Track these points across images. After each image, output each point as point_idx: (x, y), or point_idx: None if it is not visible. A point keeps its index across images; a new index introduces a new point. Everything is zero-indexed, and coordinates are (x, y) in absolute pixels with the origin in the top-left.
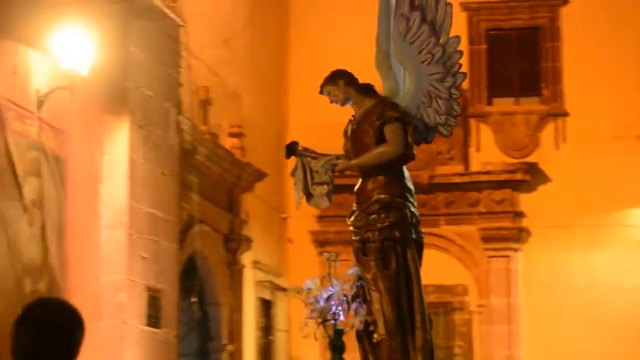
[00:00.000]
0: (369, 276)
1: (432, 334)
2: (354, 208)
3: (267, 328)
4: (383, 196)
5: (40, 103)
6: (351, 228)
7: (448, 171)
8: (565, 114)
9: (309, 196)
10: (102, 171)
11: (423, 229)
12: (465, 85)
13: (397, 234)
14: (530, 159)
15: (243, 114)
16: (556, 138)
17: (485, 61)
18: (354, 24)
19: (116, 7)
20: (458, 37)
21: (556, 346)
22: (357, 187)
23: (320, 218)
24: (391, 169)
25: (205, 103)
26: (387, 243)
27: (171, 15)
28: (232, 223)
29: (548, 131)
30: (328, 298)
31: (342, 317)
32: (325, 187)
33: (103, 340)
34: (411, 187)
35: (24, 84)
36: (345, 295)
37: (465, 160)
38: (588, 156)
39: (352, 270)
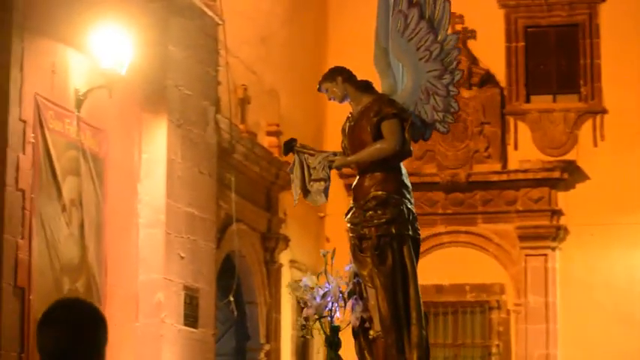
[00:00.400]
0: (365, 272)
1: (469, 333)
2: (351, 205)
3: (304, 327)
4: (380, 192)
5: (79, 103)
6: (348, 225)
7: (485, 169)
8: (603, 111)
9: (306, 192)
10: (140, 170)
11: (461, 228)
12: (503, 82)
13: (394, 230)
14: (568, 157)
15: (281, 112)
16: (594, 135)
17: (523, 59)
18: None
19: (154, 6)
20: (456, 33)
21: (594, 344)
22: (354, 183)
23: None
24: (388, 165)
25: (243, 102)
26: (384, 239)
27: (210, 13)
28: (270, 222)
29: (586, 129)
30: (324, 295)
31: (338, 314)
32: (322, 183)
33: (140, 339)
34: (408, 183)
35: (63, 83)
36: (341, 292)
37: (503, 158)
38: (626, 153)
39: (348, 267)
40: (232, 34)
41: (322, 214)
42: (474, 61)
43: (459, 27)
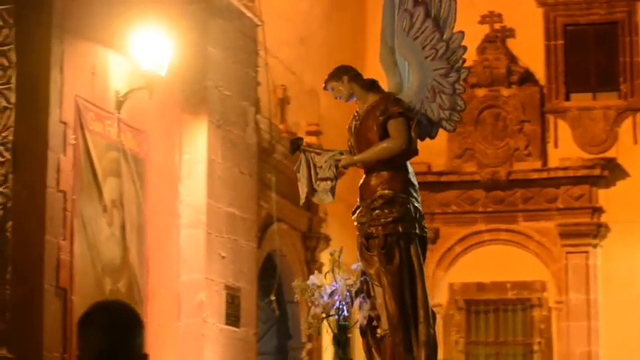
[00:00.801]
0: (372, 271)
1: (510, 330)
2: (358, 204)
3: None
4: (386, 191)
5: (119, 104)
6: (355, 224)
7: (526, 167)
8: None
9: (312, 191)
10: (181, 170)
11: (501, 226)
12: (542, 80)
13: (400, 229)
14: (608, 154)
15: (320, 112)
16: (634, 133)
17: (563, 57)
18: None
19: (194, 8)
20: (461, 32)
21: (635, 342)
22: (360, 182)
23: None
24: (395, 164)
25: (283, 102)
26: (391, 238)
27: (249, 14)
28: (311, 221)
29: (626, 126)
30: (332, 294)
31: (345, 312)
32: (329, 182)
33: (182, 339)
34: (415, 182)
35: (103, 85)
36: (348, 291)
37: (543, 156)
38: None
39: (356, 265)
40: (271, 35)
41: None
42: (513, 59)
43: (497, 26)
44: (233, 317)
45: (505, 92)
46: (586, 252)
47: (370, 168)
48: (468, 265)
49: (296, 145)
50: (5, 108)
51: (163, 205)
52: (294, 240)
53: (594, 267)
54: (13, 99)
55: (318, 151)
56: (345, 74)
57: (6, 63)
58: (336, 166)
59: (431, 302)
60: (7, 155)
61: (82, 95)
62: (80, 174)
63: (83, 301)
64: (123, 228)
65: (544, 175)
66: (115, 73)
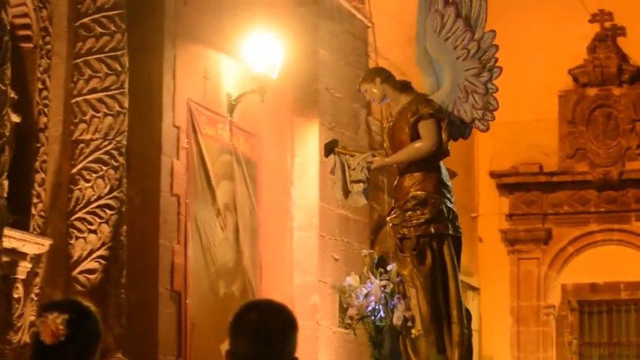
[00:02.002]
0: (405, 272)
1: (624, 331)
2: (393, 205)
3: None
4: (419, 192)
5: (232, 107)
6: (390, 225)
7: (638, 166)
8: None
9: (347, 193)
10: (293, 173)
11: (614, 226)
12: None
13: (433, 230)
14: None
15: None
16: None
17: None
18: (542, 20)
19: (304, 10)
20: (493, 31)
21: None
22: (394, 184)
23: (510, 217)
24: (427, 165)
25: None
26: (423, 239)
27: (359, 16)
28: None
29: None
30: (367, 295)
31: (382, 313)
32: (361, 185)
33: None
34: (448, 182)
35: (215, 89)
36: (383, 292)
37: None
38: None
39: (391, 266)
40: (381, 36)
41: (474, 215)
42: (624, 58)
43: (608, 24)
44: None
45: (616, 91)
46: None
47: (403, 169)
48: (580, 265)
49: (330, 147)
50: (119, 113)
51: (276, 208)
52: None
53: None
54: (126, 104)
55: (352, 153)
56: (378, 76)
57: (119, 68)
58: (369, 168)
59: (543, 303)
60: (121, 160)
61: (195, 99)
62: (194, 178)
63: (197, 305)
64: (236, 231)
65: None
66: (227, 77)
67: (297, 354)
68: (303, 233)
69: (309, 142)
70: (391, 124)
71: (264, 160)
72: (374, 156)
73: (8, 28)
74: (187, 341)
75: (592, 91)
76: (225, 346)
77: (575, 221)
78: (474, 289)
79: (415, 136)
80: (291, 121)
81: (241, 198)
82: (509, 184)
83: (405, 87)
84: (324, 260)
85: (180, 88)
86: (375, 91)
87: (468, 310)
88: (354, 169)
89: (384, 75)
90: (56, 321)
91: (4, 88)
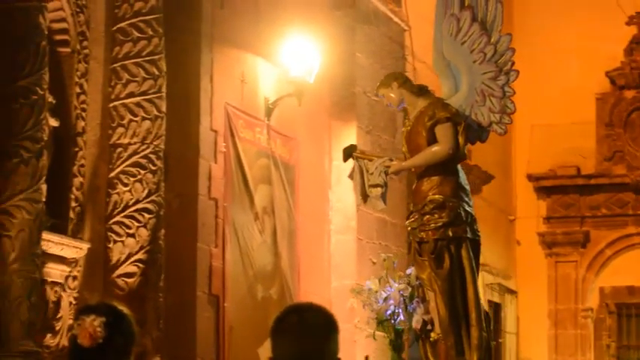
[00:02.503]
0: (424, 276)
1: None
2: (411, 209)
3: (495, 331)
4: (437, 196)
5: (269, 111)
6: (408, 229)
7: None
8: None
9: (365, 197)
10: (331, 176)
11: None
12: None
13: (450, 234)
14: None
15: None
16: None
17: None
18: (579, 22)
19: (341, 14)
20: (509, 34)
21: None
22: (413, 187)
23: (547, 219)
24: (445, 169)
25: None
26: (441, 243)
27: (396, 19)
28: None
29: None
30: (386, 299)
31: (401, 317)
32: (379, 189)
33: None
34: (467, 186)
35: (252, 92)
36: (402, 296)
37: None
38: None
39: (410, 270)
40: (418, 40)
41: (512, 217)
42: None
43: None
44: None
45: None
46: None
47: (421, 173)
48: (618, 268)
49: (348, 152)
50: (156, 117)
51: (314, 212)
52: None
53: None
54: (164, 108)
55: (370, 157)
56: (395, 80)
57: (156, 72)
58: (386, 173)
59: (581, 306)
60: (159, 164)
61: (232, 103)
62: (231, 181)
63: (235, 308)
64: (274, 235)
65: None
66: (264, 81)
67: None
68: (341, 236)
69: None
70: (409, 128)
71: (302, 164)
72: (391, 160)
73: (46, 32)
74: (225, 345)
75: (629, 94)
76: (263, 350)
77: (612, 224)
78: (512, 292)
79: (432, 140)
80: (329, 124)
81: (279, 201)
82: (547, 186)
83: (422, 91)
84: (361, 263)
85: (217, 91)
86: (392, 95)
87: (487, 314)
88: (372, 173)
89: (400, 79)
90: (94, 324)
91: (42, 92)
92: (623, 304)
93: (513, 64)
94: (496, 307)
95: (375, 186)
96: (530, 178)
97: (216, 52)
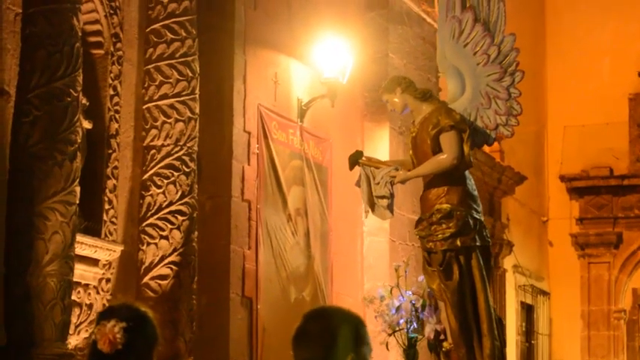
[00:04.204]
0: (434, 286)
1: None
2: (420, 216)
3: (528, 333)
4: (444, 205)
5: (302, 113)
6: (418, 237)
7: None
8: None
9: (373, 206)
10: None
11: None
12: None
13: (459, 243)
14: None
15: None
16: None
17: None
18: (611, 22)
19: (373, 15)
20: (513, 34)
21: None
22: (420, 195)
23: (580, 221)
24: (452, 177)
25: None
26: (449, 254)
27: (429, 20)
28: (493, 227)
29: None
30: (398, 309)
31: (415, 324)
32: (385, 200)
33: None
34: (475, 192)
35: (285, 94)
36: (414, 306)
37: None
38: None
39: (422, 277)
40: None
41: (545, 219)
42: None
43: None
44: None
45: None
46: None
47: (429, 182)
48: None
49: (354, 160)
50: (190, 118)
51: (347, 213)
52: None
53: None
54: (197, 109)
55: (377, 165)
56: (398, 85)
57: (190, 74)
58: (392, 183)
59: (614, 307)
60: (192, 165)
61: (265, 104)
62: (264, 183)
63: (269, 310)
64: (307, 236)
65: None
66: (297, 82)
67: None
68: (374, 238)
69: (380, 147)
70: (414, 134)
71: (335, 165)
72: (397, 169)
73: (80, 34)
74: (258, 347)
75: None
76: None
77: None
78: (545, 293)
79: (437, 148)
80: (362, 125)
81: (312, 203)
82: (580, 187)
83: (425, 96)
84: (392, 266)
85: (250, 93)
86: (396, 100)
87: (500, 320)
88: (377, 183)
89: (404, 84)
90: (114, 329)
91: (75, 94)
92: None
93: (518, 64)
94: (529, 309)
95: (382, 197)
96: (563, 179)
97: (249, 53)
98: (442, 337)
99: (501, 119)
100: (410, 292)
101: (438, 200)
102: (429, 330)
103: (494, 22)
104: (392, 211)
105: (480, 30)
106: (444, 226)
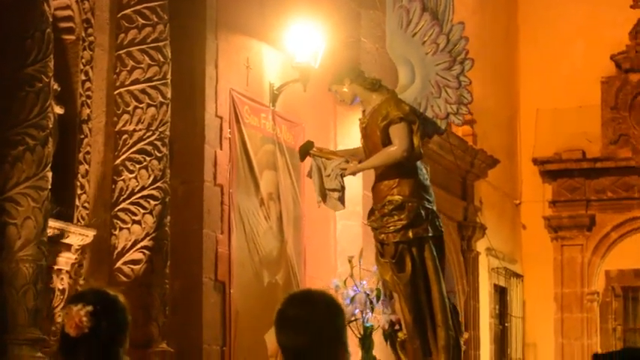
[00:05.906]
0: (387, 277)
1: None
2: (373, 207)
3: (502, 315)
4: (396, 197)
5: (274, 97)
6: (370, 227)
7: None
8: None
9: (325, 197)
10: None
11: None
12: None
13: (411, 235)
14: None
15: (474, 101)
16: None
17: None
18: (584, 6)
19: None
20: (462, 23)
21: None
22: (372, 187)
23: (553, 203)
24: (403, 168)
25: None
26: (401, 246)
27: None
28: (466, 211)
29: None
30: (352, 300)
31: (370, 314)
32: (336, 193)
33: None
34: (427, 182)
35: (258, 78)
36: (368, 297)
37: None
38: None
39: (375, 267)
40: None
41: (517, 202)
42: None
43: None
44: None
45: None
46: None
47: (380, 173)
48: (624, 251)
49: (304, 150)
50: (161, 103)
51: None
52: (449, 229)
53: None
54: (169, 94)
55: (328, 156)
56: (347, 76)
57: (161, 59)
58: (342, 176)
59: (587, 290)
60: (164, 150)
61: (237, 89)
62: (237, 167)
63: (241, 294)
64: (280, 221)
65: None
66: (269, 67)
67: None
68: (347, 222)
69: (352, 131)
70: (364, 124)
71: None
72: (347, 162)
73: (50, 20)
74: (232, 331)
75: (635, 77)
76: (269, 336)
77: (618, 207)
78: (518, 276)
79: (386, 140)
80: (334, 110)
81: (284, 187)
82: (553, 170)
83: (375, 86)
84: (367, 249)
85: (222, 78)
86: (345, 91)
87: (455, 308)
88: (328, 175)
89: (352, 75)
90: (80, 313)
91: (47, 80)
92: (629, 288)
93: (467, 52)
94: (502, 291)
95: (332, 190)
96: (536, 162)
97: (221, 38)
98: (397, 327)
99: (452, 108)
100: (365, 282)
101: (390, 191)
102: (383, 320)
103: (443, 11)
104: (343, 203)
105: (429, 19)
106: (395, 217)
